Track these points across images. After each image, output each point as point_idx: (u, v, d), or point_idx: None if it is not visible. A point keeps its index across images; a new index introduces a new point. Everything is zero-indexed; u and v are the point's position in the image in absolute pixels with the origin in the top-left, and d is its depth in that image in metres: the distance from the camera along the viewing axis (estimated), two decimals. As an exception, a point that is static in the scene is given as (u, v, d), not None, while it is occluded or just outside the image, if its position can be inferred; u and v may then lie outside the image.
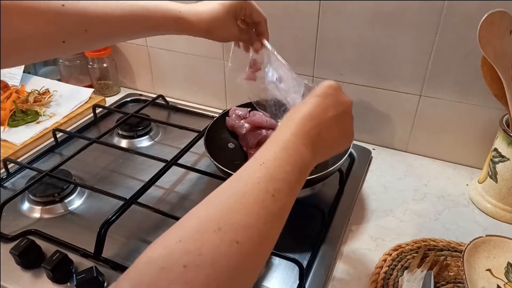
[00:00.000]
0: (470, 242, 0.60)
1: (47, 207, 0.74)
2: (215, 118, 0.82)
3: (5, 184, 0.81)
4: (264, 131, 0.79)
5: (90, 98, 1.06)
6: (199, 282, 0.30)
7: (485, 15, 0.61)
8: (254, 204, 0.37)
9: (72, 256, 0.63)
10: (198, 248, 0.31)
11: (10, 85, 1.06)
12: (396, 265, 0.63)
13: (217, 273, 0.31)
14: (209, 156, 0.72)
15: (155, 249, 0.32)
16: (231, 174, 0.39)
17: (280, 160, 0.41)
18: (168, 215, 0.67)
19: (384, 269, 0.62)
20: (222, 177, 0.74)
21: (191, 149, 0.84)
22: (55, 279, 0.60)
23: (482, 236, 0.62)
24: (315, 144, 0.45)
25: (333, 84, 0.50)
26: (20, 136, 0.92)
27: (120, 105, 1.09)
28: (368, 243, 0.68)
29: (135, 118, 0.97)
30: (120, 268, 0.62)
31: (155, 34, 0.64)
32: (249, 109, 0.83)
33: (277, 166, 0.40)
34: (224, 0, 0.65)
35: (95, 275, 0.57)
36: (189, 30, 0.63)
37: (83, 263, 0.63)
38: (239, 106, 0.84)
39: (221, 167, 0.68)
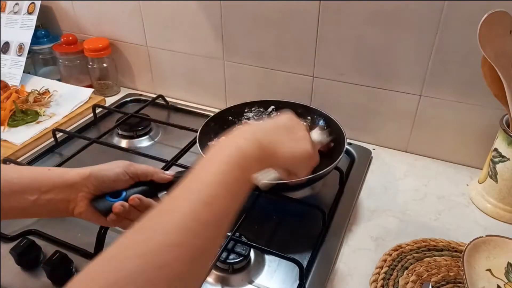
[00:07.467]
0: (470, 242, 0.60)
1: (47, 207, 0.74)
2: (208, 118, 0.82)
3: (5, 184, 0.81)
4: None
5: (90, 98, 1.06)
6: None
7: (485, 15, 0.61)
8: (182, 217, 0.34)
9: (72, 256, 0.62)
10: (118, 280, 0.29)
11: (10, 85, 1.06)
12: (396, 265, 0.63)
13: None
14: (202, 155, 0.71)
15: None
16: None
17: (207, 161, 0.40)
18: (168, 215, 0.67)
19: (384, 269, 0.62)
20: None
21: (191, 149, 0.84)
22: (55, 279, 0.60)
23: (482, 236, 0.61)
24: (256, 135, 0.44)
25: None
26: (20, 136, 0.92)
27: (120, 105, 1.09)
28: (368, 243, 0.68)
29: (135, 118, 0.97)
30: (120, 268, 0.62)
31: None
32: None
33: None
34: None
35: (95, 275, 0.57)
36: None
37: (83, 263, 0.63)
38: (237, 106, 0.84)
39: None
